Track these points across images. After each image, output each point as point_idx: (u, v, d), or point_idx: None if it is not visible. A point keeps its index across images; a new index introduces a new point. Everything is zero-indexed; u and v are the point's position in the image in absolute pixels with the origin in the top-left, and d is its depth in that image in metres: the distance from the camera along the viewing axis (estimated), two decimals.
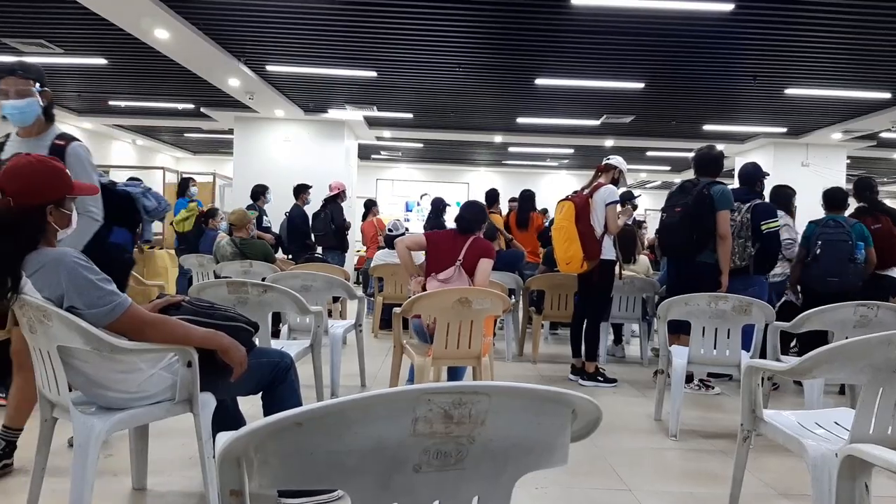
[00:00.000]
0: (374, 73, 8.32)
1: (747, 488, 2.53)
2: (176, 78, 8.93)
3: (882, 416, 2.01)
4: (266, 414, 2.45)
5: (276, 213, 8.86)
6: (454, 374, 3.88)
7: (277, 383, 2.39)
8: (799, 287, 5.10)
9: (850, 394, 3.86)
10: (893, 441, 1.97)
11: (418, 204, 17.48)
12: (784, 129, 10.82)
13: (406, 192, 17.86)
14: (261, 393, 2.44)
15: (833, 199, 5.05)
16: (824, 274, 4.73)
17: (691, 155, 5.00)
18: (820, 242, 4.78)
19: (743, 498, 2.49)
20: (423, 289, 3.78)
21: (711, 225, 4.43)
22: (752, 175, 4.99)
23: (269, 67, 8.31)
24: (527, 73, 8.08)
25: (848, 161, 11.83)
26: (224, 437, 1.06)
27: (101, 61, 8.33)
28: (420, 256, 4.11)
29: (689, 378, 4.77)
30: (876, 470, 1.34)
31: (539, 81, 8.33)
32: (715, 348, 3.76)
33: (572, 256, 4.74)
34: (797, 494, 2.85)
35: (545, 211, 9.45)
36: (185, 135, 14.79)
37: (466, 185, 17.54)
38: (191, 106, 11.09)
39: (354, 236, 10.79)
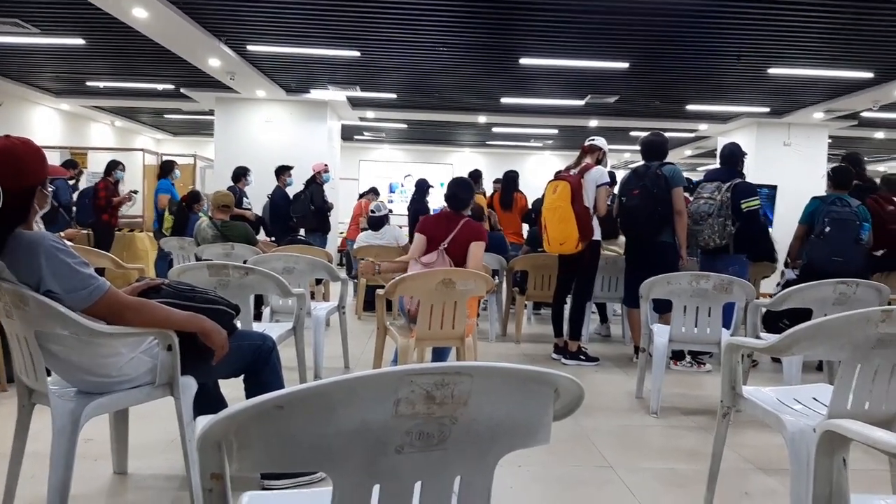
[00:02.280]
0: (357, 53, 8.22)
1: (727, 463, 2.57)
2: (155, 58, 8.77)
3: (859, 391, 2.04)
4: (248, 397, 2.44)
5: (259, 195, 8.79)
6: (439, 354, 3.89)
7: (259, 366, 2.38)
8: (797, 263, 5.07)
9: (828, 370, 3.91)
10: (871, 416, 2.01)
11: (402, 185, 17.42)
12: (767, 109, 10.86)
13: (389, 174, 17.78)
14: (243, 376, 2.43)
15: (840, 177, 4.91)
16: (831, 253, 4.62)
17: (640, 140, 5.19)
18: (828, 220, 4.66)
19: (722, 473, 2.52)
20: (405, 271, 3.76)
21: (670, 203, 4.66)
22: (734, 155, 5.03)
23: (251, 47, 8.18)
24: (511, 52, 8.02)
25: (829, 141, 11.92)
26: (204, 421, 1.05)
27: (79, 41, 8.16)
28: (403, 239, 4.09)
29: (681, 355, 4.83)
30: (853, 444, 1.36)
31: (523, 61, 8.28)
32: (696, 326, 3.80)
33: (567, 237, 4.72)
34: (776, 469, 2.90)
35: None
36: (165, 116, 14.56)
37: (450, 165, 17.48)
38: (171, 86, 10.91)
39: (338, 218, 10.73)
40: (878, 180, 5.52)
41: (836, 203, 4.73)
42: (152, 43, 7.76)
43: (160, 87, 10.99)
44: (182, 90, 10.97)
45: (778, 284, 5.28)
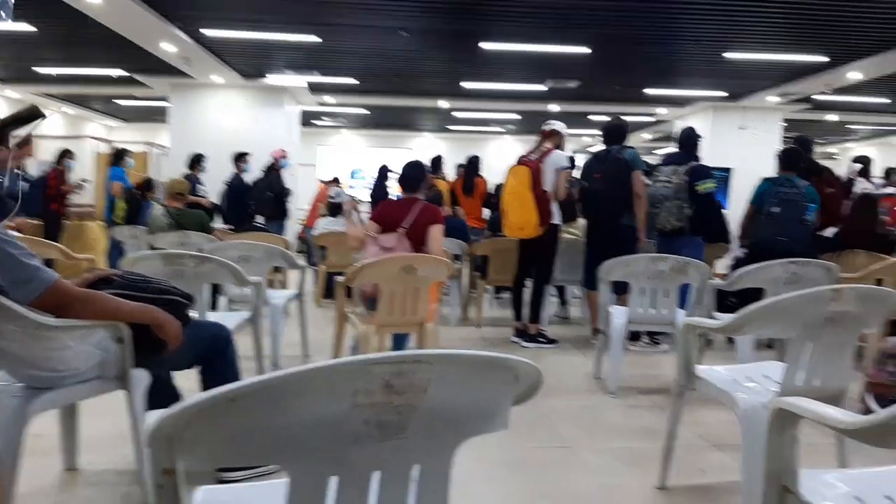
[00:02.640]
0: (316, 38, 8.08)
1: (682, 441, 2.63)
2: (107, 44, 8.47)
3: (810, 369, 2.10)
4: (204, 389, 2.40)
5: (216, 182, 8.61)
6: (398, 340, 3.87)
7: (215, 357, 2.34)
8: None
9: (779, 348, 4.01)
10: (820, 392, 2.06)
11: (362, 171, 17.25)
12: (723, 93, 11.03)
13: (350, 159, 17.59)
14: (198, 367, 2.39)
15: (789, 158, 4.97)
16: (777, 233, 4.70)
17: (602, 125, 5.27)
18: (775, 201, 4.75)
19: (678, 450, 2.58)
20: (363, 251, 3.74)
21: (630, 186, 4.74)
22: (690, 139, 5.12)
23: (206, 32, 7.97)
24: (471, 37, 7.98)
25: (784, 124, 12.18)
26: (153, 417, 1.02)
27: (28, 27, 7.85)
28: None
29: (638, 336, 4.91)
30: (802, 419, 1.40)
31: (484, 45, 8.24)
32: (653, 308, 3.86)
33: (527, 222, 4.76)
34: (729, 445, 2.97)
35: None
36: (118, 102, 14.13)
37: (412, 150, 17.39)
38: (124, 73, 10.59)
39: (297, 205, 10.60)
40: (826, 163, 5.68)
41: (785, 184, 4.83)
42: (104, 28, 7.51)
43: (113, 73, 10.66)
44: (136, 76, 10.66)
45: (729, 265, 5.40)
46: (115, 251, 7.17)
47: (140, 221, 6.70)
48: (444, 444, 1.13)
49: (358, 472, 1.07)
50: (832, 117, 13.24)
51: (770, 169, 5.22)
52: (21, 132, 1.64)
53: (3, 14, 1.71)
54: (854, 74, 9.02)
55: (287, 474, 1.04)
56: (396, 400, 1.03)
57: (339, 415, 1.01)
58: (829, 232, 5.06)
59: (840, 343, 2.10)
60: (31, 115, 1.67)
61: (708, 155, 5.64)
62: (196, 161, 8.11)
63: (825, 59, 8.49)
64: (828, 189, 5.12)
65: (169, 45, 8.25)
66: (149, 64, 9.53)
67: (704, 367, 2.52)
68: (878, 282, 4.01)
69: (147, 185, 7.45)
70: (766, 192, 4.90)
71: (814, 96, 10.74)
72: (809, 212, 4.75)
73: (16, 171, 7.25)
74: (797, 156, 5.02)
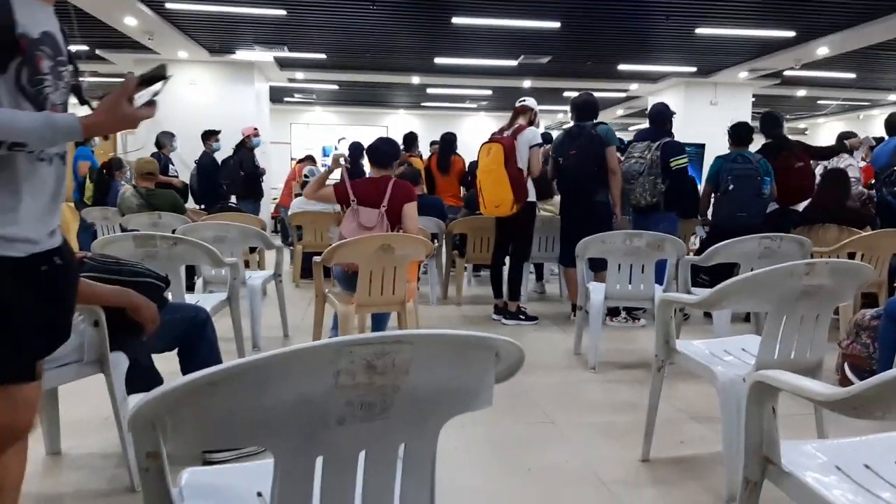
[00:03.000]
0: (283, 12, 7.92)
1: (662, 414, 2.66)
2: (68, 18, 8.21)
3: (786, 342, 2.14)
4: (184, 371, 2.37)
5: (186, 161, 8.45)
6: (378, 320, 3.86)
7: (193, 339, 2.31)
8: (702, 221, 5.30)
9: (756, 321, 4.09)
10: (796, 365, 2.10)
11: (335, 148, 17.07)
12: (694, 69, 11.10)
13: (322, 137, 17.40)
14: (177, 350, 2.35)
15: (739, 134, 5.11)
16: (735, 209, 4.83)
17: (570, 101, 5.22)
18: (730, 178, 4.87)
19: (658, 423, 2.61)
20: (341, 235, 3.69)
21: (605, 162, 4.73)
22: (662, 115, 5.13)
23: (169, 5, 7.77)
24: (443, 11, 7.89)
25: (753, 99, 12.30)
26: (134, 401, 1.00)
27: None
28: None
29: (616, 312, 4.96)
30: (782, 391, 1.42)
31: (456, 20, 8.16)
32: (630, 283, 3.89)
33: (502, 199, 4.72)
34: (708, 417, 3.03)
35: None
36: (80, 79, 13.76)
37: (385, 128, 17.23)
38: (85, 48, 10.29)
39: (270, 184, 10.47)
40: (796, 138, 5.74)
41: (738, 160, 4.93)
42: (63, 2, 7.26)
43: (74, 48, 10.31)
44: (98, 52, 10.37)
45: (696, 247, 5.49)
46: (86, 233, 7.02)
47: (109, 202, 6.56)
48: (428, 423, 1.13)
49: (343, 452, 1.06)
50: (801, 93, 13.40)
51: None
52: (144, 93, 1.60)
53: None
54: (822, 49, 9.13)
55: (273, 455, 1.03)
56: (379, 380, 1.03)
57: (321, 396, 1.00)
58: (801, 206, 5.14)
59: (815, 316, 2.14)
60: (157, 75, 1.64)
61: (681, 131, 5.69)
62: (166, 140, 7.93)
63: (792, 33, 8.56)
64: (797, 164, 5.18)
65: (131, 18, 8.02)
66: (111, 39, 9.27)
67: (683, 342, 2.55)
68: (851, 255, 4.09)
69: (115, 165, 7.29)
70: (720, 171, 5.00)
71: (783, 72, 10.86)
72: (765, 185, 4.86)
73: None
74: (745, 130, 5.14)
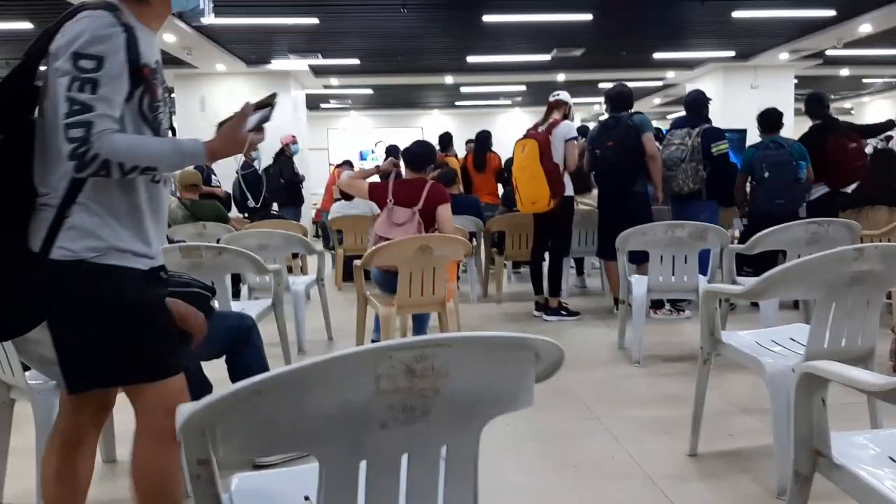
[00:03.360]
0: (315, 20, 8.02)
1: (710, 407, 2.62)
2: None
3: (835, 330, 2.08)
4: (232, 378, 2.43)
5: (228, 170, 8.61)
6: (419, 320, 3.89)
7: (240, 346, 2.36)
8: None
9: (805, 309, 3.99)
10: (847, 353, 2.05)
11: (373, 151, 17.21)
12: (732, 53, 10.84)
13: (359, 141, 17.55)
14: (225, 357, 2.41)
15: (768, 121, 5.01)
16: (772, 196, 4.74)
17: (604, 93, 5.18)
18: (765, 165, 4.78)
19: (706, 416, 2.57)
20: (376, 235, 3.72)
21: (642, 152, 4.68)
22: (698, 101, 5.07)
23: (205, 20, 7.93)
24: (473, 9, 7.88)
25: (795, 81, 11.96)
26: (184, 410, 1.03)
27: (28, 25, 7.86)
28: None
29: (660, 304, 4.89)
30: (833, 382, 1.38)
31: (486, 18, 8.14)
32: (673, 275, 3.84)
33: (539, 195, 4.69)
34: (757, 409, 2.97)
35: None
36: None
37: (420, 129, 17.29)
38: None
39: (311, 189, 10.61)
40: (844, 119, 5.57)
41: (770, 147, 4.85)
42: None
43: None
44: None
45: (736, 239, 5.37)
46: None
47: None
48: (469, 424, 1.14)
49: (386, 456, 1.08)
50: (845, 72, 12.98)
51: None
52: (255, 118, 1.74)
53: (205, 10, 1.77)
54: (864, 27, 8.83)
55: (318, 461, 1.05)
56: (419, 384, 1.04)
57: (363, 401, 1.02)
58: (851, 188, 5.00)
59: (865, 302, 2.08)
60: (267, 103, 1.78)
61: (720, 117, 5.57)
62: None
63: (832, 12, 8.30)
64: (850, 144, 5.03)
65: (170, 35, 8.22)
66: None
67: (729, 333, 2.51)
68: None
69: None
70: (753, 159, 4.92)
71: (825, 51, 10.53)
72: (801, 169, 4.77)
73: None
74: (774, 116, 5.04)
